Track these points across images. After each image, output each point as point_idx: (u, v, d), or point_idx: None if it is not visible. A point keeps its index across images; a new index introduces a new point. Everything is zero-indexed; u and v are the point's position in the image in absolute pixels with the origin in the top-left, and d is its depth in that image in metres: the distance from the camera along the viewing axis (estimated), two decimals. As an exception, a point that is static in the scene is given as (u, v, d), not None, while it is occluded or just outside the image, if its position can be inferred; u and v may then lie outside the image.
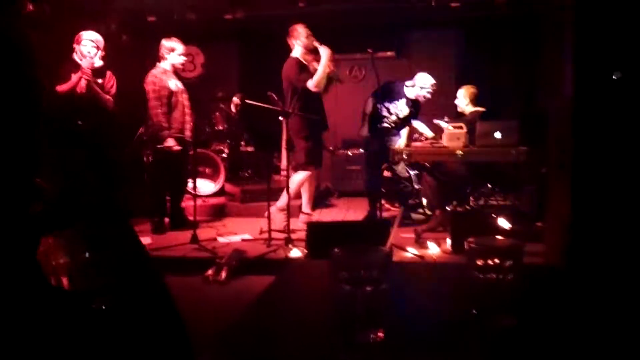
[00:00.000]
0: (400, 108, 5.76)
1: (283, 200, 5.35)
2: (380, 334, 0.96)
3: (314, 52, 5.43)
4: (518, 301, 1.03)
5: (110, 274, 1.06)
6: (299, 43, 5.45)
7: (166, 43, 5.35)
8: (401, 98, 5.72)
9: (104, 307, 1.00)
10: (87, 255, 1.04)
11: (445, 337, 1.01)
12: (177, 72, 5.48)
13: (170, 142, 5.27)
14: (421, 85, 5.69)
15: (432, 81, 5.69)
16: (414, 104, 5.80)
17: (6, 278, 0.96)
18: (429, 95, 5.74)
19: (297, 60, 5.45)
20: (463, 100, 5.85)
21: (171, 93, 5.31)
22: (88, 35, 4.94)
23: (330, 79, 5.49)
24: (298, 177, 5.50)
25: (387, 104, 5.61)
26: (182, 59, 5.47)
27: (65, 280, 1.02)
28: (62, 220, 1.08)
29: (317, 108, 5.47)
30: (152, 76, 5.30)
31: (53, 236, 1.05)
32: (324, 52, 5.32)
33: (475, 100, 5.86)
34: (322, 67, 5.32)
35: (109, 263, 1.08)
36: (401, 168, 5.80)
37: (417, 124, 5.96)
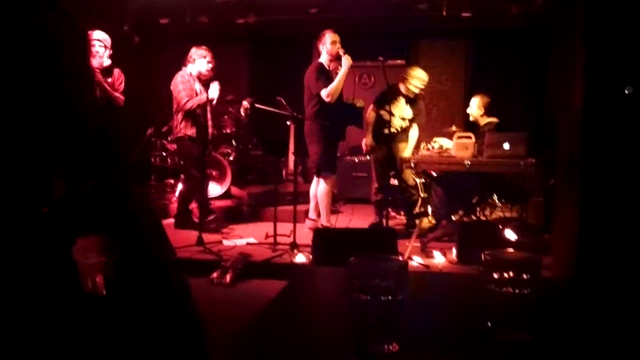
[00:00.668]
0: (401, 107, 5.70)
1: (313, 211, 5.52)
2: (395, 345, 0.96)
3: (339, 60, 5.34)
4: (533, 315, 1.02)
5: (136, 274, 1.07)
6: (324, 49, 5.40)
7: (198, 50, 5.54)
8: (399, 96, 5.68)
9: (124, 308, 1.00)
10: (116, 256, 1.05)
11: (459, 349, 1.01)
12: (202, 78, 5.61)
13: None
14: (412, 79, 5.64)
15: (423, 75, 5.61)
16: (412, 102, 5.75)
17: (42, 275, 0.97)
18: (421, 87, 5.69)
19: (319, 65, 5.40)
20: (477, 109, 5.83)
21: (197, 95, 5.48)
22: (96, 35, 4.96)
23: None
24: (321, 189, 5.43)
25: (387, 107, 5.59)
26: (210, 66, 5.57)
27: (99, 279, 1.03)
28: (87, 219, 1.09)
29: (334, 115, 5.37)
30: (181, 77, 5.46)
31: (88, 236, 1.06)
32: (345, 62, 5.26)
33: (489, 110, 5.84)
34: (339, 77, 5.27)
35: (136, 263, 1.08)
36: (407, 176, 5.79)
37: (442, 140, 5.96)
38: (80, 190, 1.19)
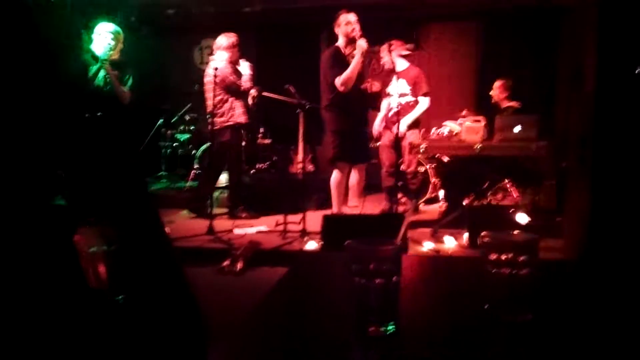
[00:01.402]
0: (394, 84, 5.52)
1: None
2: (392, 327, 0.96)
3: (354, 44, 4.99)
4: (533, 296, 1.02)
5: (135, 265, 1.08)
6: (339, 31, 5.09)
7: (229, 38, 5.60)
8: (390, 73, 5.59)
9: (123, 299, 1.01)
10: (115, 245, 1.06)
11: (458, 331, 1.00)
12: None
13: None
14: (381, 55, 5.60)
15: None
16: (406, 76, 5.63)
17: (42, 266, 0.98)
18: (387, 59, 5.59)
19: (334, 50, 5.11)
20: (499, 93, 5.80)
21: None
22: (106, 27, 4.96)
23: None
24: (333, 178, 5.30)
25: (386, 90, 5.54)
26: (237, 54, 5.66)
27: (102, 268, 1.03)
28: (88, 209, 1.10)
29: (352, 103, 5.10)
30: (224, 63, 5.49)
31: (89, 224, 1.07)
32: (359, 47, 4.93)
33: (511, 94, 5.81)
34: (352, 64, 4.95)
35: (134, 253, 1.09)
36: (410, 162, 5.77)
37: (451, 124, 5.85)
38: (86, 178, 1.20)
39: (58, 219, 1.10)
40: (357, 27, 5.02)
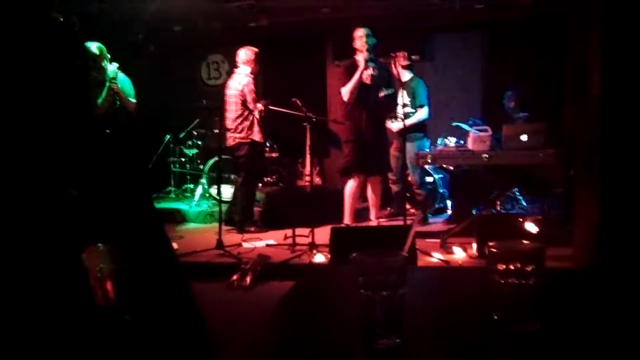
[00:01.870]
0: (399, 94, 5.71)
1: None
2: (398, 339, 0.96)
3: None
4: (541, 306, 1.01)
5: (142, 283, 1.08)
6: (355, 45, 5.27)
7: (248, 52, 5.76)
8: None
9: (131, 319, 1.02)
10: (122, 264, 1.07)
11: (465, 342, 1.00)
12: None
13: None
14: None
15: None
16: (407, 87, 5.72)
17: (50, 282, 0.99)
18: (404, 64, 5.73)
19: (348, 64, 5.30)
20: (511, 102, 5.83)
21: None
22: (93, 46, 5.00)
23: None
24: (347, 188, 5.39)
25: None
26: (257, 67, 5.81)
27: (109, 286, 1.04)
28: (97, 226, 1.11)
29: (367, 114, 5.20)
30: (248, 78, 5.67)
31: (97, 242, 1.07)
32: (360, 59, 5.14)
33: (522, 104, 5.82)
34: (354, 77, 5.12)
35: (141, 271, 1.10)
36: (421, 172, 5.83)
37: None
38: (97, 195, 1.21)
39: (67, 237, 1.11)
40: (363, 40, 5.15)
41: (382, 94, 5.22)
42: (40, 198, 1.11)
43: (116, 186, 1.24)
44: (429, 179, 6.25)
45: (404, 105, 5.71)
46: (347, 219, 5.43)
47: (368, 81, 5.15)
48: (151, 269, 1.14)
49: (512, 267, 1.00)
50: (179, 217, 6.60)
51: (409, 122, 5.58)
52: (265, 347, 1.05)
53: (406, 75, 5.80)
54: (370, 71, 5.15)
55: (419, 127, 5.85)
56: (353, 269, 0.99)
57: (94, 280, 1.06)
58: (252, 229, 5.76)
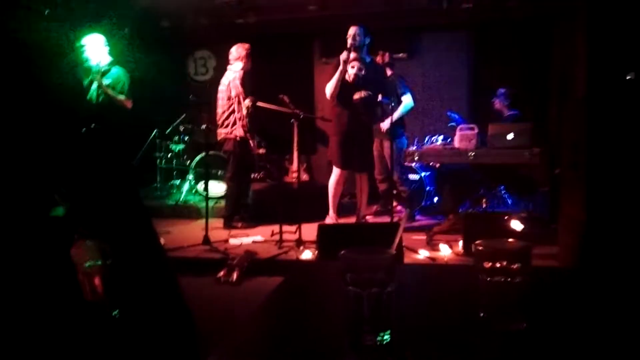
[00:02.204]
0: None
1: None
2: (387, 337, 0.97)
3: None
4: (527, 304, 1.02)
5: (130, 278, 1.08)
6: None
7: (241, 49, 5.75)
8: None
9: (118, 313, 1.01)
10: (110, 260, 1.06)
11: (452, 339, 1.01)
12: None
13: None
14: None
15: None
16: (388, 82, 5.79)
17: (39, 278, 0.98)
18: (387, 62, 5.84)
19: (337, 60, 5.34)
20: (503, 100, 5.87)
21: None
22: (92, 38, 4.95)
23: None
24: (329, 180, 5.53)
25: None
26: (250, 63, 5.79)
27: (97, 281, 1.04)
28: (85, 222, 1.10)
29: (350, 111, 5.30)
30: (240, 75, 5.67)
31: (86, 239, 1.07)
32: (342, 57, 5.19)
33: (514, 102, 5.88)
34: (335, 74, 5.21)
35: (129, 266, 1.09)
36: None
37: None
38: (84, 191, 1.20)
39: (55, 232, 1.10)
40: (349, 39, 5.19)
41: (355, 96, 5.26)
42: (27, 194, 1.11)
43: (104, 181, 1.24)
44: (415, 177, 6.28)
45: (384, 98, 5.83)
46: (330, 211, 5.53)
47: (350, 80, 5.21)
48: (139, 264, 1.14)
49: (498, 265, 1.01)
50: (165, 213, 6.56)
51: (397, 114, 5.67)
52: (253, 343, 1.06)
53: (388, 72, 5.97)
54: (354, 70, 5.20)
55: (399, 123, 5.91)
56: (341, 266, 0.99)
57: (82, 276, 1.05)
58: (239, 224, 5.75)
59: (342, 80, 5.22)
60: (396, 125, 5.80)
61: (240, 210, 5.89)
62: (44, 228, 1.11)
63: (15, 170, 1.06)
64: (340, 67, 5.17)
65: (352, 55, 5.18)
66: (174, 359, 1.06)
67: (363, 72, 5.24)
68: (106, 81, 4.96)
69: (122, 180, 1.29)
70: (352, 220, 5.71)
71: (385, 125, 5.76)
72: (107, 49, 5.02)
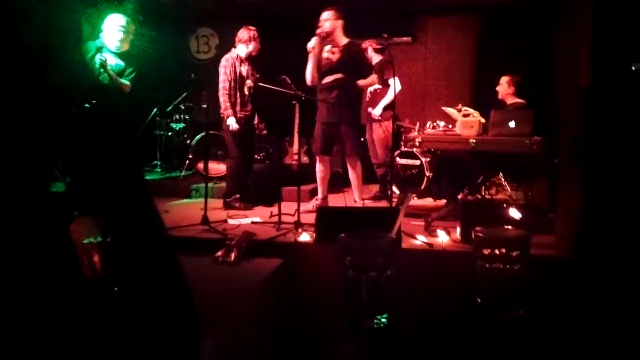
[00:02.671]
0: (370, 77, 5.81)
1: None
2: (384, 320, 0.97)
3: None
4: (525, 292, 1.03)
5: (130, 256, 1.08)
6: None
7: (249, 32, 5.73)
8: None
9: (117, 290, 1.02)
10: (110, 237, 1.06)
11: (448, 325, 1.02)
12: (249, 58, 5.76)
13: (231, 121, 5.63)
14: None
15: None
16: (374, 67, 5.87)
17: (38, 255, 0.98)
18: (377, 47, 5.94)
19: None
20: (506, 88, 5.82)
21: (241, 78, 5.71)
22: (117, 19, 4.87)
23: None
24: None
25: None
26: (257, 46, 5.76)
27: (96, 259, 1.03)
28: (85, 198, 1.10)
29: (318, 95, 5.38)
30: (225, 60, 5.70)
31: (85, 215, 1.06)
32: (308, 45, 5.25)
33: (518, 90, 5.84)
34: (310, 60, 5.27)
35: (129, 244, 1.09)
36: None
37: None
38: (84, 166, 1.20)
39: (54, 208, 1.10)
40: (321, 24, 5.22)
41: (324, 81, 5.26)
42: (25, 169, 1.10)
43: (104, 157, 1.23)
44: (416, 162, 6.29)
45: (371, 84, 5.88)
46: (319, 194, 5.60)
47: (324, 65, 5.25)
48: (140, 242, 1.14)
49: (497, 252, 1.01)
50: (164, 191, 6.56)
51: (386, 100, 5.84)
52: (251, 325, 1.06)
53: (376, 58, 6.04)
54: (327, 54, 5.24)
55: (389, 108, 5.95)
56: (340, 249, 1.00)
57: (81, 253, 1.05)
58: (237, 204, 5.76)
59: (318, 66, 5.23)
60: (385, 110, 5.89)
61: (240, 191, 5.89)
62: (42, 203, 1.11)
63: (13, 144, 1.06)
64: (311, 54, 5.20)
65: (315, 40, 5.16)
66: (172, 337, 1.07)
67: (336, 55, 5.21)
68: (117, 60, 4.88)
69: (123, 156, 1.28)
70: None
71: (377, 111, 5.82)
72: (132, 31, 4.94)
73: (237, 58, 5.72)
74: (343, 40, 5.28)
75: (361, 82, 5.37)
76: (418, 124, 6.52)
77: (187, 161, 7.12)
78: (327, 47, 5.27)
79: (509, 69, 6.29)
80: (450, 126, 5.65)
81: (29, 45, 1.01)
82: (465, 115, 5.06)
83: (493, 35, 7.68)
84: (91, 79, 4.80)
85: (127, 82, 4.92)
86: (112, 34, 4.81)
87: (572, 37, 3.91)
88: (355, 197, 5.62)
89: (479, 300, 1.05)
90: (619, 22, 3.39)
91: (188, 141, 7.32)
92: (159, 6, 7.17)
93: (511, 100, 5.75)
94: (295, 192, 5.01)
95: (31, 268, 1.01)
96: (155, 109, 7.39)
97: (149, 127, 7.38)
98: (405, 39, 7.84)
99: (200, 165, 6.78)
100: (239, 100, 5.69)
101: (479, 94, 7.35)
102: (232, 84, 5.65)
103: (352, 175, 5.52)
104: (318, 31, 5.15)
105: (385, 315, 0.97)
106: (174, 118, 7.44)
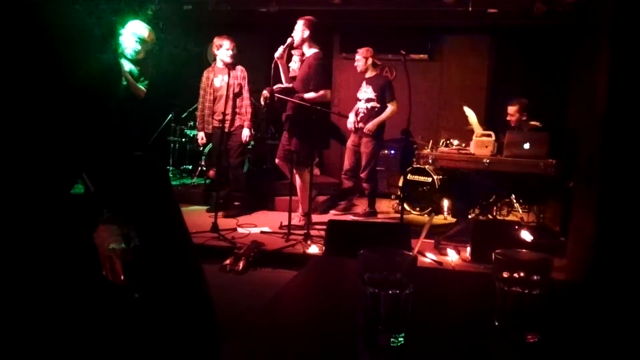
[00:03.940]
0: (362, 90, 6.02)
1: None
2: (402, 338, 0.97)
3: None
4: (543, 316, 1.02)
5: (154, 263, 1.08)
6: None
7: (216, 41, 5.76)
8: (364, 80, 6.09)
9: (140, 296, 1.02)
10: (136, 242, 1.06)
11: (466, 346, 1.01)
12: (228, 67, 5.68)
13: (199, 136, 5.98)
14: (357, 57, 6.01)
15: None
16: (372, 84, 5.93)
17: (61, 261, 0.99)
18: (360, 63, 6.00)
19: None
20: (519, 116, 5.82)
21: (213, 89, 5.80)
22: (137, 26, 4.92)
23: None
24: None
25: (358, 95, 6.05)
26: (230, 53, 5.70)
27: (118, 266, 1.04)
28: (110, 204, 1.11)
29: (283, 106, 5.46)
30: (205, 72, 5.90)
31: (110, 222, 1.07)
32: (276, 54, 5.30)
33: (529, 113, 5.83)
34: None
35: (154, 251, 1.09)
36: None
37: None
38: (110, 172, 1.20)
39: (79, 215, 1.10)
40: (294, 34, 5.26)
41: (275, 87, 5.29)
42: (52, 175, 1.11)
43: (130, 163, 1.24)
44: (427, 179, 6.27)
45: (368, 100, 5.92)
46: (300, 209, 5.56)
47: (291, 74, 5.43)
48: (164, 249, 1.14)
49: (516, 275, 1.01)
50: (177, 197, 6.58)
51: (383, 116, 5.87)
52: (265, 337, 1.06)
53: (371, 72, 6.06)
54: (292, 64, 5.45)
55: (382, 126, 6.03)
56: (359, 264, 0.99)
57: (104, 259, 1.06)
58: (233, 212, 5.82)
59: (286, 75, 5.38)
60: (379, 127, 5.91)
61: (231, 200, 5.95)
62: (67, 209, 1.11)
63: (42, 149, 1.06)
64: (279, 63, 5.25)
65: (281, 49, 5.20)
66: (192, 346, 1.07)
67: (297, 65, 5.41)
68: (135, 67, 4.92)
69: (150, 162, 1.28)
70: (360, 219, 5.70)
71: (370, 126, 5.84)
72: (152, 38, 4.99)
73: (212, 69, 5.89)
74: (309, 51, 5.27)
75: (307, 96, 5.19)
76: (431, 142, 6.52)
77: (199, 168, 7.14)
78: (296, 58, 5.43)
79: (524, 91, 6.28)
80: (463, 145, 5.64)
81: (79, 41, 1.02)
82: (480, 136, 5.04)
83: (509, 56, 7.68)
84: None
85: (143, 88, 4.95)
86: (130, 41, 4.85)
87: (590, 60, 3.90)
88: (299, 209, 5.56)
89: (497, 323, 1.04)
90: (636, 47, 3.38)
91: (201, 148, 7.36)
92: (179, 13, 7.25)
93: (526, 124, 5.74)
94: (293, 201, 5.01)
95: (53, 272, 1.02)
96: (171, 115, 7.44)
97: (163, 132, 7.43)
98: (422, 56, 7.86)
99: (212, 173, 6.80)
100: (214, 110, 5.83)
101: (494, 114, 7.34)
102: (206, 95, 5.84)
103: (298, 186, 5.46)
104: (288, 40, 5.20)
105: (402, 334, 0.97)
106: (188, 125, 7.48)
